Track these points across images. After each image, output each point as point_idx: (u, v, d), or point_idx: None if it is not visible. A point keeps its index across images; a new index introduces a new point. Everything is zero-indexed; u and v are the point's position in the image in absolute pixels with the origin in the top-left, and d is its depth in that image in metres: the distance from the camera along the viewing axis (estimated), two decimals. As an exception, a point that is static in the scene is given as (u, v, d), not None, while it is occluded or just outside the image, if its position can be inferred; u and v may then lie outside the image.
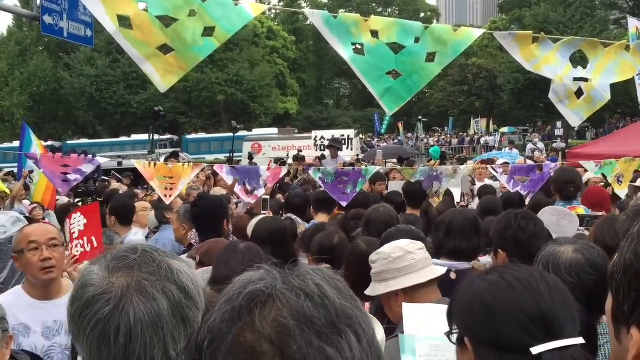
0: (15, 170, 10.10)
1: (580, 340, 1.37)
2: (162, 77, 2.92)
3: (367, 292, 2.76)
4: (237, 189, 5.37)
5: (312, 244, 3.79)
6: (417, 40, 3.24)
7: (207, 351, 0.84)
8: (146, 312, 1.30)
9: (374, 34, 3.17)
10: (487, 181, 9.77)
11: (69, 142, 46.66)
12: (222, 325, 0.84)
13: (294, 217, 5.55)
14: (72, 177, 5.11)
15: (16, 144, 25.03)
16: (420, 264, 2.64)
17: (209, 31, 2.94)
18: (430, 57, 3.26)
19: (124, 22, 2.83)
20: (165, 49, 2.93)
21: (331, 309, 0.84)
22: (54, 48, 57.16)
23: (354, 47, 3.14)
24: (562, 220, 4.04)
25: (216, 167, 5.76)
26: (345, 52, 3.12)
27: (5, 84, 53.28)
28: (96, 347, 1.30)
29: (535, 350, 1.32)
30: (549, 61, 3.46)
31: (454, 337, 1.53)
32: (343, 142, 24.19)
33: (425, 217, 5.35)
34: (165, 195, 5.19)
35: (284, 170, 5.95)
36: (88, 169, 5.16)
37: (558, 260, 2.37)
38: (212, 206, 4.45)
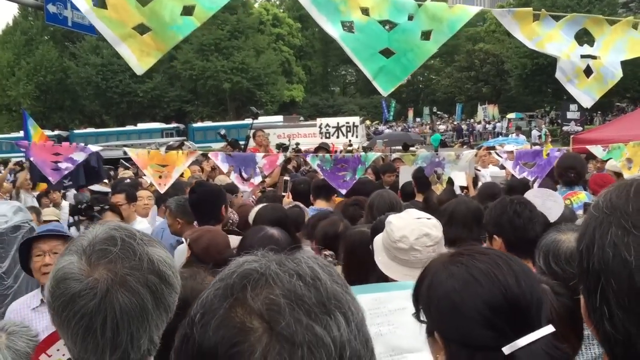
0: (24, 159, 10.09)
1: (549, 330, 1.35)
2: (139, 59, 2.78)
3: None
4: (233, 176, 5.26)
5: (317, 232, 3.75)
6: (410, 17, 3.07)
7: (199, 325, 0.85)
8: (131, 306, 1.33)
9: (364, 11, 3.01)
10: (492, 168, 9.67)
11: (76, 131, 46.79)
12: (215, 300, 0.86)
13: (302, 205, 5.51)
14: (63, 165, 5.00)
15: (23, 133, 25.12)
16: (421, 263, 2.49)
17: (188, 10, 2.80)
18: (426, 36, 3.11)
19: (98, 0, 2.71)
20: (141, 29, 2.79)
21: (322, 289, 0.85)
22: (60, 37, 57.07)
23: (344, 25, 3.00)
24: (547, 202, 3.98)
25: (211, 155, 5.65)
26: (334, 31, 2.96)
27: (11, 73, 53.39)
28: (81, 338, 1.33)
29: (507, 349, 1.32)
30: (552, 39, 3.28)
31: (422, 322, 1.52)
32: (348, 129, 24.18)
33: (425, 206, 5.25)
34: (159, 184, 5.09)
35: (281, 158, 5.84)
36: (79, 157, 5.04)
37: (558, 249, 2.33)
38: (209, 192, 4.45)
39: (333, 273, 0.91)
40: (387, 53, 3.08)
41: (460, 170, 6.11)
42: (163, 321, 1.41)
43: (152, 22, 2.75)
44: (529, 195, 4.51)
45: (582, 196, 5.13)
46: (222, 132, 11.39)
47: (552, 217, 4.12)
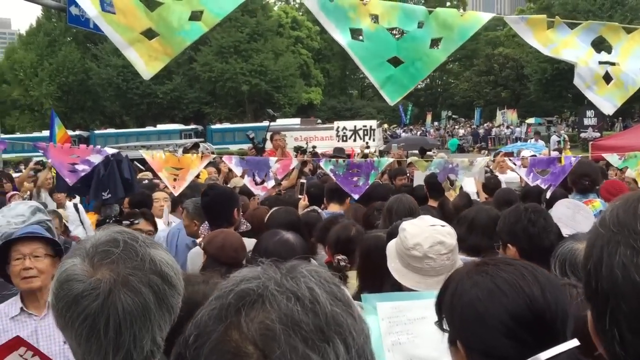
0: (45, 159, 10.20)
1: (573, 343, 1.31)
2: (147, 63, 2.79)
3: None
4: (246, 180, 5.26)
5: (329, 236, 3.76)
6: (420, 25, 3.02)
7: (192, 347, 0.83)
8: (134, 306, 1.34)
9: (374, 18, 2.97)
10: (510, 173, 9.57)
11: (96, 131, 47.29)
12: (209, 322, 0.84)
13: (319, 210, 5.51)
14: (80, 167, 5.06)
15: (45, 133, 25.52)
16: (434, 271, 2.46)
17: (196, 15, 2.80)
18: (435, 43, 3.07)
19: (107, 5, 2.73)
20: (149, 33, 2.80)
21: (321, 314, 0.82)
22: (82, 39, 57.68)
23: (352, 33, 2.97)
24: (577, 215, 3.90)
25: (225, 158, 5.66)
26: (342, 38, 2.92)
27: (34, 74, 54.09)
28: (85, 339, 1.34)
29: None
30: (568, 45, 3.21)
31: (445, 331, 1.50)
32: (365, 132, 24.10)
33: (440, 212, 5.22)
34: (174, 187, 5.12)
35: (294, 162, 5.83)
36: (96, 159, 5.10)
37: (576, 258, 2.31)
38: (221, 195, 4.49)
39: (335, 291, 0.87)
40: (395, 62, 3.04)
41: (471, 176, 6.06)
42: (166, 322, 1.41)
43: (160, 27, 2.75)
44: (561, 204, 4.46)
45: (597, 204, 5.06)
46: (251, 135, 11.46)
47: (579, 230, 4.04)
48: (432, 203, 5.97)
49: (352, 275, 3.32)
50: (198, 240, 4.64)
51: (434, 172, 5.69)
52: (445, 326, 1.48)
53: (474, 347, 1.39)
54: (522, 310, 1.36)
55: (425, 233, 2.48)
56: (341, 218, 4.56)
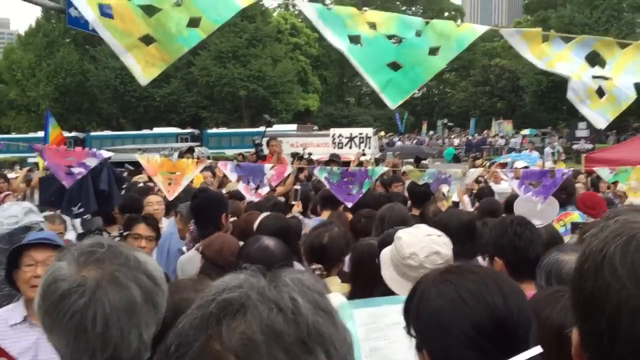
0: (39, 160, 10.11)
1: (536, 351, 1.32)
2: (144, 69, 2.79)
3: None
4: (241, 186, 5.26)
5: (304, 243, 3.76)
6: (418, 34, 3.04)
7: (173, 356, 0.83)
8: (121, 301, 1.36)
9: (372, 26, 3.00)
10: (504, 184, 9.59)
11: (92, 133, 47.17)
12: (190, 331, 0.83)
13: (300, 217, 5.50)
14: (76, 170, 5.02)
15: (41, 134, 25.44)
16: None
17: (194, 22, 2.81)
18: (434, 51, 3.09)
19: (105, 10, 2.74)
20: (147, 39, 2.81)
21: (303, 325, 0.82)
22: (81, 40, 57.63)
23: (351, 38, 2.98)
24: (539, 205, 3.92)
25: (220, 164, 5.66)
26: (341, 43, 2.93)
27: (32, 75, 53.98)
28: (73, 337, 1.34)
29: None
30: (562, 59, 3.24)
31: (413, 337, 1.51)
32: (361, 140, 24.12)
33: (421, 220, 5.23)
34: (168, 191, 5.11)
35: (289, 169, 5.85)
36: (92, 162, 5.06)
37: (561, 269, 2.33)
38: (211, 199, 4.48)
39: (318, 300, 0.87)
40: (394, 66, 3.05)
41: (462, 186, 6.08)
42: (152, 319, 1.42)
43: (158, 33, 2.76)
44: (519, 202, 4.48)
45: (575, 216, 5.08)
46: (257, 141, 11.51)
47: (546, 219, 4.07)
48: (415, 212, 5.98)
49: (331, 282, 3.30)
50: (183, 247, 4.61)
51: (425, 182, 5.68)
52: (413, 332, 1.50)
53: (438, 355, 1.40)
54: (484, 319, 1.37)
55: (422, 243, 2.49)
56: (330, 225, 4.57)
